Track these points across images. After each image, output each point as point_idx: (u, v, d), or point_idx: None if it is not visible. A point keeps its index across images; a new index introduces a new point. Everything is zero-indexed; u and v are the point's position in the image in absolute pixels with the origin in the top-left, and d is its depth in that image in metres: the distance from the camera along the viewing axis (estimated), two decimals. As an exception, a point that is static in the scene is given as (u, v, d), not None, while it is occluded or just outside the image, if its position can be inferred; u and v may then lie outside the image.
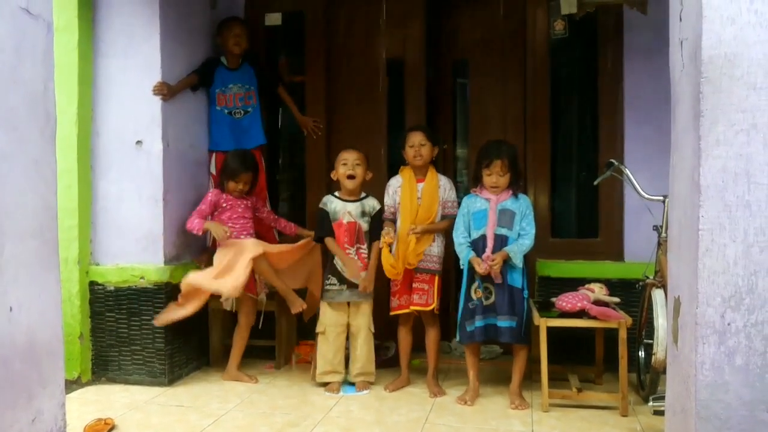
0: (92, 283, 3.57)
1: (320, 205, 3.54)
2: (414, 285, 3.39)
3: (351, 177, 3.45)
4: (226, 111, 3.91)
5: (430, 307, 3.36)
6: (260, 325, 3.69)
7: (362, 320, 3.46)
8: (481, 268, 3.11)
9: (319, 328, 3.48)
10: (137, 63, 3.51)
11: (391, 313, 3.47)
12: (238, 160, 3.62)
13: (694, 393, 1.69)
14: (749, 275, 1.63)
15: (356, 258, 3.45)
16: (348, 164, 3.45)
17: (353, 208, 3.48)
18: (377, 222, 3.48)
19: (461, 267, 3.27)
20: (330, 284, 3.46)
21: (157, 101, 3.49)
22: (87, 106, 3.52)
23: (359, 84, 4.20)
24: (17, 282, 2.11)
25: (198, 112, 3.89)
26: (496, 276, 3.11)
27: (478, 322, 3.18)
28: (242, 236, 3.58)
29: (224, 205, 3.62)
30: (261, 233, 3.93)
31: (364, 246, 3.49)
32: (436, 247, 3.39)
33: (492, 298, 3.16)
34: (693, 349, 1.69)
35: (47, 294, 2.27)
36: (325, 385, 3.46)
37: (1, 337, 2.03)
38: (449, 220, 3.39)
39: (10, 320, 2.08)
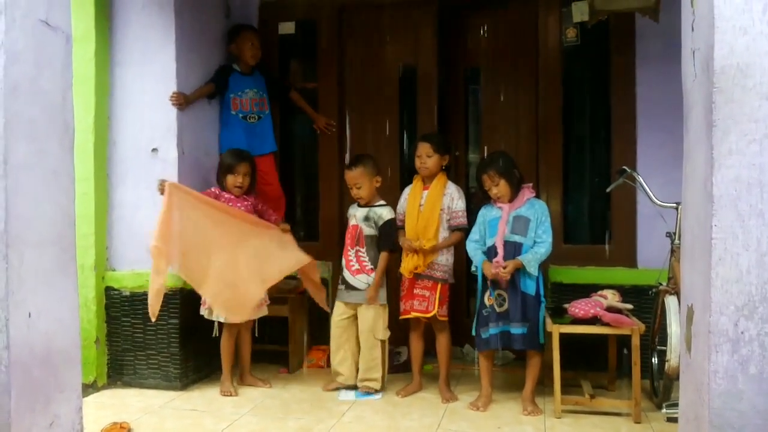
0: (108, 289, 3.62)
1: None
2: (415, 291, 3.41)
3: (359, 198, 3.57)
4: (240, 115, 3.94)
5: (431, 314, 3.36)
6: (256, 332, 3.69)
7: (365, 325, 3.50)
8: (489, 272, 3.14)
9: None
10: (153, 72, 3.56)
11: (399, 318, 3.51)
12: (233, 154, 3.61)
13: (707, 401, 1.69)
14: (762, 284, 1.63)
15: (354, 260, 3.53)
16: (352, 188, 3.56)
17: (359, 212, 3.58)
18: (384, 233, 3.51)
19: (473, 272, 3.28)
20: (339, 283, 3.62)
21: (172, 109, 3.54)
22: (103, 114, 3.58)
23: (372, 92, 4.23)
24: (36, 289, 2.15)
25: (212, 120, 3.93)
26: (503, 280, 3.12)
27: (493, 330, 3.19)
28: None
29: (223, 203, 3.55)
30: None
31: (363, 249, 3.53)
32: (440, 257, 3.40)
33: (505, 305, 3.17)
34: (706, 358, 1.69)
35: (65, 300, 2.31)
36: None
37: (20, 343, 2.07)
38: (459, 233, 3.40)
39: (29, 326, 2.12)
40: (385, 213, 3.53)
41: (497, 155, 3.31)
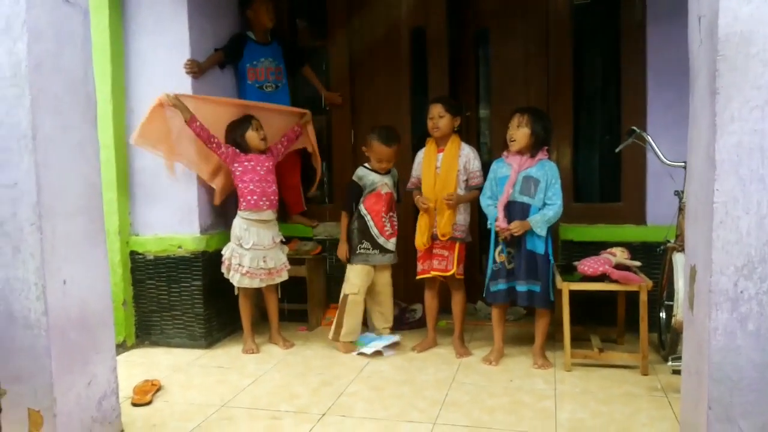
0: (133, 253, 3.74)
1: (355, 179, 3.68)
2: (434, 251, 3.50)
3: (382, 168, 3.66)
4: (256, 85, 3.97)
5: (450, 273, 3.47)
6: (279, 294, 3.80)
7: (388, 278, 3.75)
8: (501, 233, 3.22)
9: (352, 289, 3.64)
10: (167, 40, 3.60)
11: (417, 278, 3.61)
12: (237, 120, 3.63)
13: (707, 356, 1.78)
14: (762, 245, 1.70)
15: (389, 225, 3.67)
16: (382, 162, 3.62)
17: (387, 179, 3.68)
18: (397, 190, 3.77)
19: (488, 227, 3.35)
20: (364, 248, 3.65)
21: (187, 77, 3.58)
22: (120, 84, 3.63)
23: (382, 53, 4.24)
24: (68, 257, 2.27)
25: (226, 88, 3.96)
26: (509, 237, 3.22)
27: (501, 285, 3.29)
28: (262, 203, 3.56)
29: (246, 164, 3.56)
30: (287, 199, 4.10)
31: (394, 213, 3.72)
32: (459, 216, 3.47)
33: (514, 263, 3.26)
34: (707, 315, 1.78)
35: (96, 267, 2.43)
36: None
37: (57, 309, 2.20)
38: (477, 191, 3.45)
39: (65, 293, 2.25)
40: (395, 170, 3.74)
41: (542, 111, 3.38)
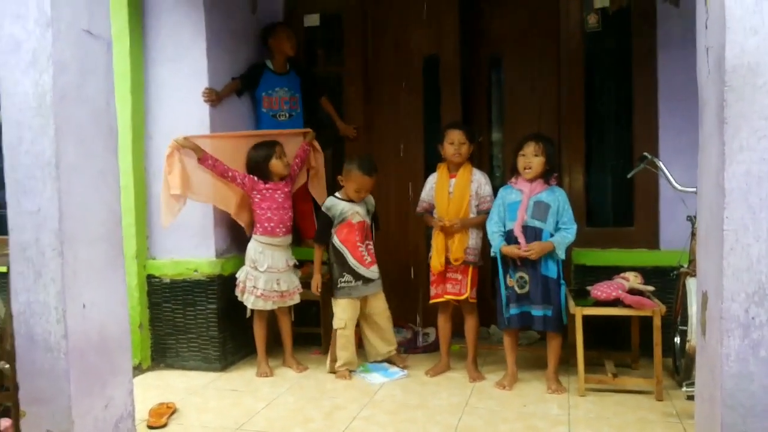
0: (149, 277, 3.80)
1: (324, 209, 3.68)
2: (447, 275, 3.53)
3: (360, 198, 3.64)
4: (270, 113, 4.07)
5: (463, 296, 3.48)
6: (292, 317, 3.84)
7: (383, 304, 3.72)
8: (511, 253, 3.23)
9: (339, 324, 3.62)
10: (185, 68, 3.69)
11: (430, 302, 3.62)
12: (262, 144, 3.71)
13: (720, 383, 1.78)
14: (772, 273, 1.71)
15: (366, 253, 3.65)
16: (361, 191, 3.61)
17: (360, 208, 3.66)
18: (376, 216, 3.77)
19: (492, 254, 3.37)
20: (345, 281, 3.62)
21: (205, 105, 3.68)
22: (140, 110, 3.73)
23: (396, 81, 4.32)
24: (89, 282, 2.31)
25: (243, 115, 4.05)
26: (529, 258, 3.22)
27: (513, 310, 3.30)
28: (278, 230, 3.65)
29: (264, 191, 3.65)
30: (300, 224, 4.13)
31: (371, 241, 3.71)
32: (470, 240, 3.50)
33: (527, 288, 3.27)
34: (719, 342, 1.79)
35: (115, 292, 2.48)
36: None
37: (76, 332, 2.24)
38: (486, 215, 3.47)
39: (84, 317, 2.29)
40: (372, 200, 3.74)
41: (551, 139, 3.44)
